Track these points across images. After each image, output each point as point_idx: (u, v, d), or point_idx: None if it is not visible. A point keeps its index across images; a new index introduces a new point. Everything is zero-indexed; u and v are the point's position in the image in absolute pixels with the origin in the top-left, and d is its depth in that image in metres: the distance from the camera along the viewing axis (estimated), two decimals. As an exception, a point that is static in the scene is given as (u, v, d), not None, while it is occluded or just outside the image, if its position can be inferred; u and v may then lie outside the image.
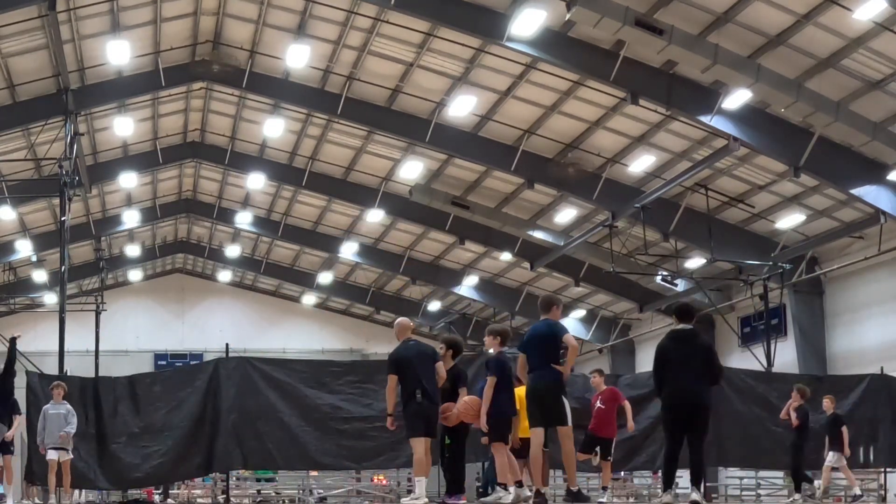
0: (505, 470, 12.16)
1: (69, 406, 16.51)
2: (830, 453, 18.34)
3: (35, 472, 17.07)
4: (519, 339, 12.89)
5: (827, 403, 18.50)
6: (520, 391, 14.24)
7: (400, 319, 12.92)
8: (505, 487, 12.16)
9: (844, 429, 18.35)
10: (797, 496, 17.57)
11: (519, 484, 12.20)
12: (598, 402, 15.77)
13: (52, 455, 16.30)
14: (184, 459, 17.58)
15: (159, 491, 23.19)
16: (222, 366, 17.61)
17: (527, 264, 37.83)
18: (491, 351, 12.67)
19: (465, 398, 12.39)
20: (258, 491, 26.36)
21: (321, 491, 25.94)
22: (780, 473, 23.83)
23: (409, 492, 23.99)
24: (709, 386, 11.18)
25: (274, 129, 32.25)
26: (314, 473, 23.70)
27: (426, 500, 12.03)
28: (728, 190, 29.74)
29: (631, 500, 25.44)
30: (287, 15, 26.87)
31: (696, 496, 10.95)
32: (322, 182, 35.78)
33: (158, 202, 40.61)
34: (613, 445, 15.86)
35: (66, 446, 16.35)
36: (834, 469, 18.67)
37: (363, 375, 17.69)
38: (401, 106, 29.63)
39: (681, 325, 11.35)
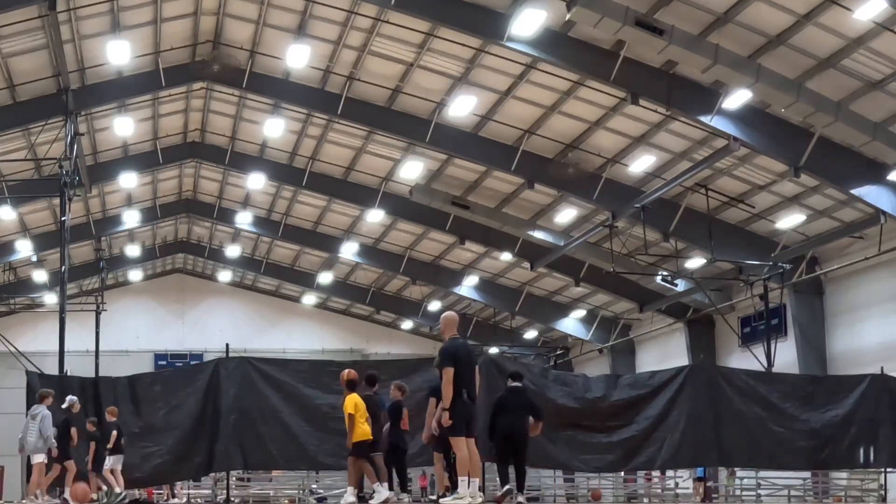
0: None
1: None
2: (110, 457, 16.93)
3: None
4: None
5: None
6: None
7: (449, 313, 12.51)
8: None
9: (115, 433, 17.05)
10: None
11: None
12: None
13: None
14: (184, 459, 17.58)
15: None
16: (222, 366, 17.62)
17: (527, 264, 37.83)
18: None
19: None
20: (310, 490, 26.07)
21: (321, 491, 25.96)
22: (781, 473, 23.85)
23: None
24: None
25: (274, 129, 32.24)
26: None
27: (470, 499, 12.00)
28: (728, 190, 29.72)
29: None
30: (287, 15, 26.86)
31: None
32: (322, 182, 35.76)
33: (158, 202, 40.60)
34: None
35: None
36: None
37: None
38: (401, 106, 29.62)
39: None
